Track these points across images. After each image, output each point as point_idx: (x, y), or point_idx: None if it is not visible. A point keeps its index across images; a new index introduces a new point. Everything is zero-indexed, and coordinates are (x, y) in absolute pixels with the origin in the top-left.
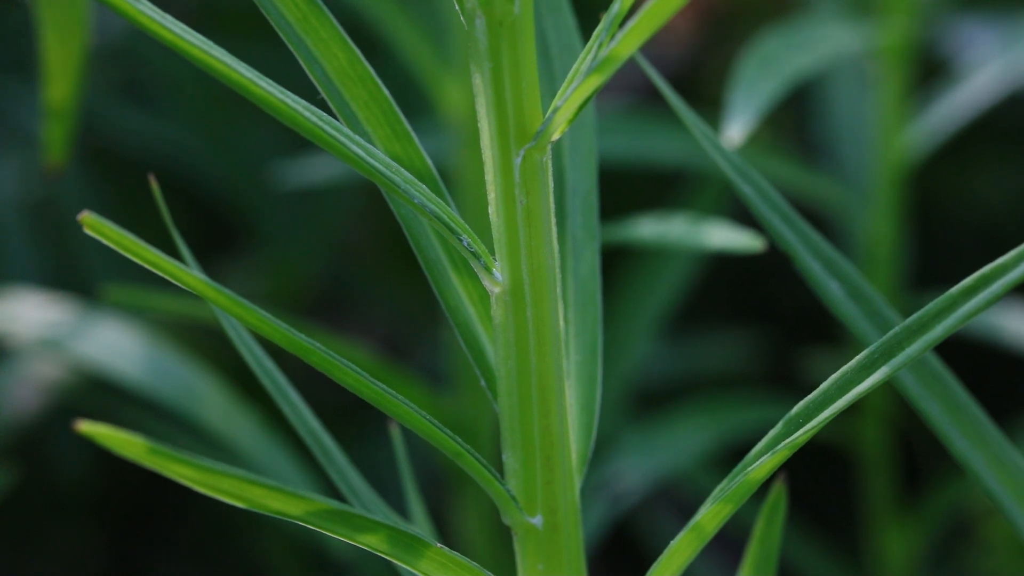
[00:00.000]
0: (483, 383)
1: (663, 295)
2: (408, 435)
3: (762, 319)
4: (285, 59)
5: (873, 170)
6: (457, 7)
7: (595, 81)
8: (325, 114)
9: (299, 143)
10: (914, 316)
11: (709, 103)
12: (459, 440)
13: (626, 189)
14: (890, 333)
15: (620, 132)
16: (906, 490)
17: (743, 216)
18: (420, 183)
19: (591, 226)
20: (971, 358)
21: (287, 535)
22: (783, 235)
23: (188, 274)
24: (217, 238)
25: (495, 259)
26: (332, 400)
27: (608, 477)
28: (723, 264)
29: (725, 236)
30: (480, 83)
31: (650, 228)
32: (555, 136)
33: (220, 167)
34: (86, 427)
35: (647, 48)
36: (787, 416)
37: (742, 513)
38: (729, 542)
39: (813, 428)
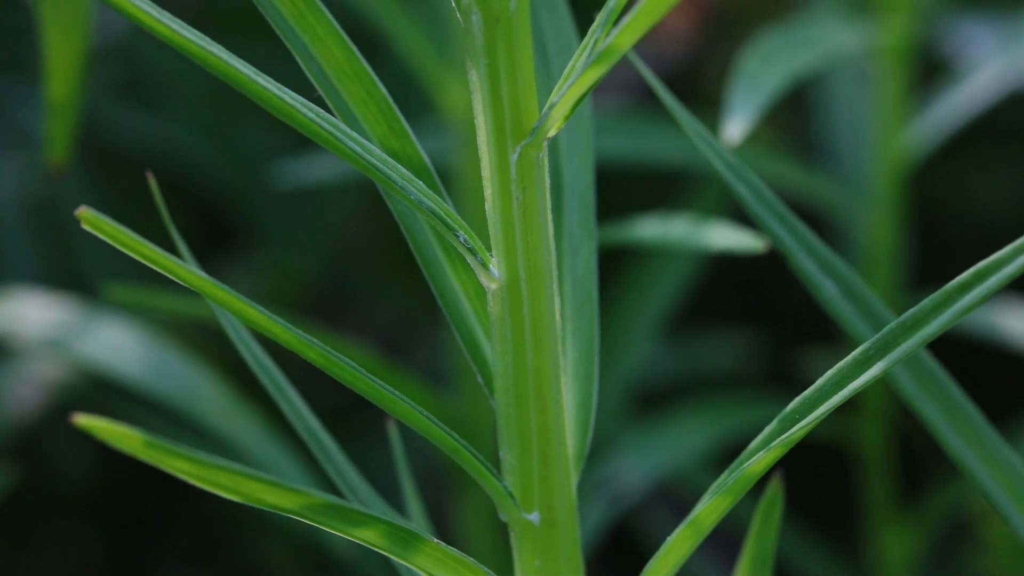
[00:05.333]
0: (480, 379)
1: (664, 295)
2: (408, 434)
3: (761, 319)
4: (283, 58)
5: (873, 170)
6: (453, 3)
7: (591, 76)
8: (322, 111)
9: (299, 143)
10: (909, 312)
11: (709, 102)
12: (456, 436)
13: (626, 190)
14: (885, 329)
15: (619, 132)
16: (906, 490)
17: (744, 216)
18: (417, 179)
19: (588, 223)
20: (967, 357)
21: (288, 536)
22: (778, 234)
23: (185, 270)
24: (217, 238)
25: (492, 255)
26: (331, 401)
27: (607, 477)
28: (723, 265)
29: (727, 237)
30: (476, 79)
31: (651, 229)
32: (551, 132)
33: (220, 167)
34: (83, 420)
35: (646, 47)
36: (783, 413)
37: (739, 511)
38: (726, 540)
39: (808, 424)
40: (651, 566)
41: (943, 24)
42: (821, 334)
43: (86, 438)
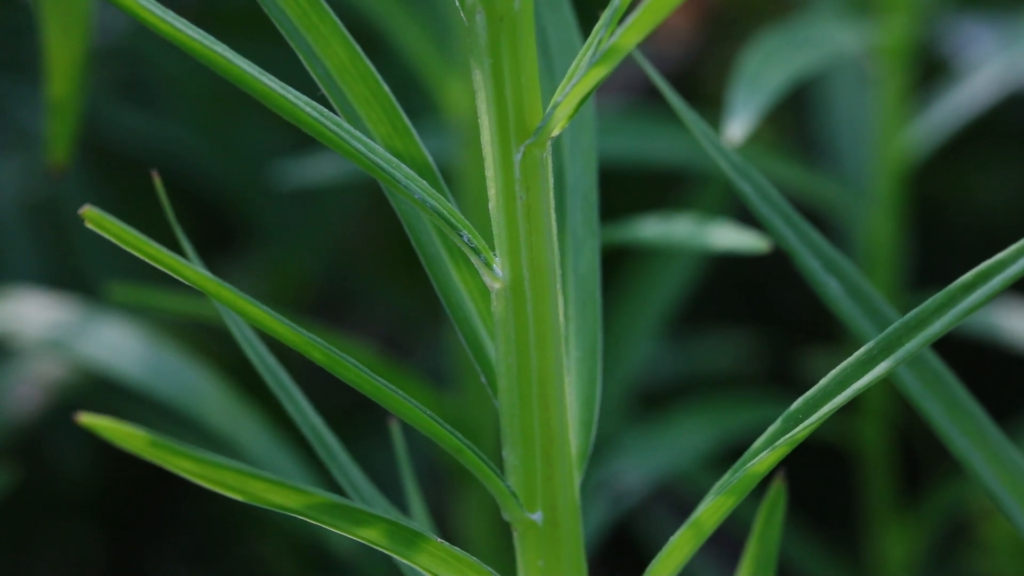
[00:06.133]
0: (483, 379)
1: (665, 296)
2: (410, 433)
3: (762, 319)
4: (285, 58)
5: (873, 170)
6: (457, 2)
7: (595, 76)
8: (326, 110)
9: (300, 143)
10: (913, 312)
11: (709, 103)
12: (460, 436)
13: (628, 189)
14: (889, 329)
15: (621, 132)
16: (906, 490)
17: (746, 216)
18: (420, 179)
19: (591, 223)
20: (970, 357)
21: (288, 535)
22: (782, 234)
23: (189, 269)
24: (217, 238)
25: (495, 255)
26: (333, 402)
27: (608, 477)
28: (724, 265)
29: (730, 237)
30: (480, 79)
31: (654, 228)
32: (555, 132)
33: (220, 167)
34: (87, 419)
35: (646, 47)
36: (786, 412)
37: (741, 512)
38: (728, 540)
39: (812, 424)
40: (653, 566)
41: (943, 24)
42: (822, 334)
43: (86, 438)
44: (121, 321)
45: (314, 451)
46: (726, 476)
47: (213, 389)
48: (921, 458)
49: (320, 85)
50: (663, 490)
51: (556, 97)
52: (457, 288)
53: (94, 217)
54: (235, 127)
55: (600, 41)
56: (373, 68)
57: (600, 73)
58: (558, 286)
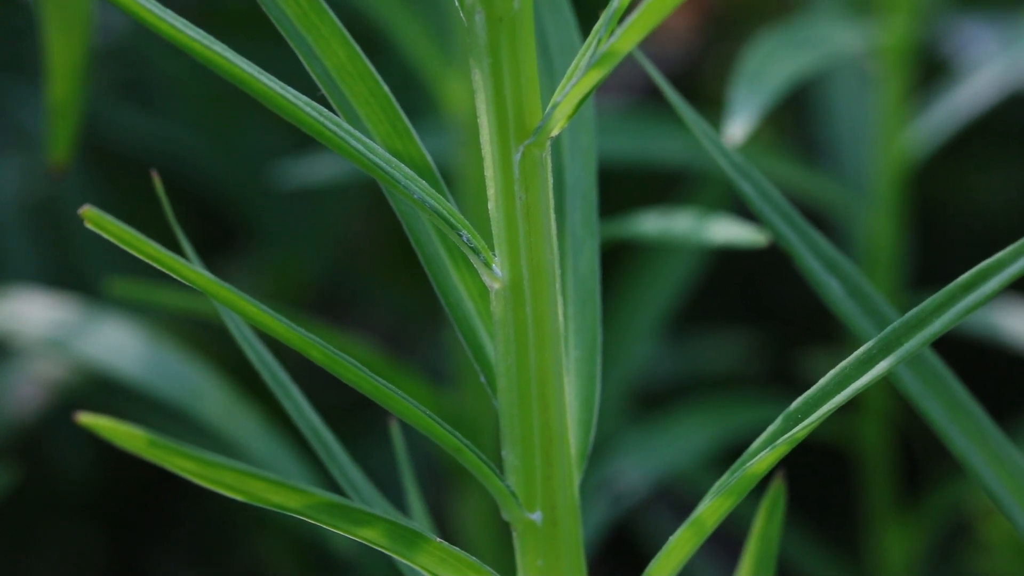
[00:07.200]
0: (483, 379)
1: (664, 295)
2: (410, 433)
3: (762, 319)
4: (285, 58)
5: (874, 170)
6: (457, 2)
7: (594, 77)
8: (325, 110)
9: (300, 143)
10: (912, 312)
11: (709, 103)
12: (458, 435)
13: (627, 190)
14: (888, 329)
15: (621, 132)
16: (906, 490)
17: (745, 216)
18: (419, 179)
19: (590, 223)
20: (970, 357)
21: (288, 535)
22: (783, 233)
23: (190, 269)
24: (217, 238)
25: (495, 255)
26: (334, 400)
27: (608, 477)
28: (723, 264)
29: (728, 231)
30: (479, 79)
31: (654, 224)
32: (554, 132)
33: (221, 167)
34: (86, 419)
35: (646, 47)
36: (786, 411)
37: (741, 511)
38: (727, 540)
39: (812, 423)
40: (653, 566)
41: (943, 24)
42: (821, 334)
43: (86, 437)
44: (121, 321)
45: (314, 451)
46: (726, 476)
47: (213, 388)
48: (921, 458)
49: (319, 85)
50: (663, 490)
51: (555, 97)
52: (456, 288)
53: (94, 217)
54: (235, 127)
55: (599, 41)
56: (372, 68)
57: (599, 73)
58: (557, 286)
